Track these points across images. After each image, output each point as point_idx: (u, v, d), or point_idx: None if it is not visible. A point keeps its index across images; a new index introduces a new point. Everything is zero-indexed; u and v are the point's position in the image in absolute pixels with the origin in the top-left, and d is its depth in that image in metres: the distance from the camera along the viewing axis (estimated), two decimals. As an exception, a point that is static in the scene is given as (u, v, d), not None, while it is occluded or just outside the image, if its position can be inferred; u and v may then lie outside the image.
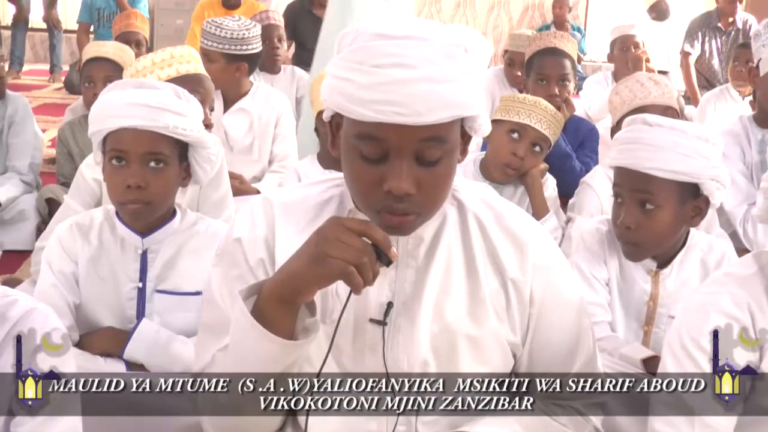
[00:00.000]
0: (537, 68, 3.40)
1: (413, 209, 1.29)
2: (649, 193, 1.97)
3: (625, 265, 2.11)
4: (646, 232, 1.98)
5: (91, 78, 3.52)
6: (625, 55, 5.06)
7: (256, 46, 3.65)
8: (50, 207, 3.51)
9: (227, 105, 3.56)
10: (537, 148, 2.82)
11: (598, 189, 2.79)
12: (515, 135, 2.80)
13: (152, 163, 1.89)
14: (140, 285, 1.93)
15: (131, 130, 1.87)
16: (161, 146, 1.90)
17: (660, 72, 4.85)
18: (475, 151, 3.08)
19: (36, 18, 8.94)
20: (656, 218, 1.97)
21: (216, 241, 1.82)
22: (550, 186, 2.95)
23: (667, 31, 7.97)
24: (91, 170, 2.53)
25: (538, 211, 2.82)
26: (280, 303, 1.26)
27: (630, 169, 1.98)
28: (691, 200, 1.99)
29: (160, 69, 2.48)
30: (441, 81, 1.24)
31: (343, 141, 1.32)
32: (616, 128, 2.80)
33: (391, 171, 1.27)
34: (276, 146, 3.59)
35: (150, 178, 1.89)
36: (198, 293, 1.89)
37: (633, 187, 1.98)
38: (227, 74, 3.54)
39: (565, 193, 3.06)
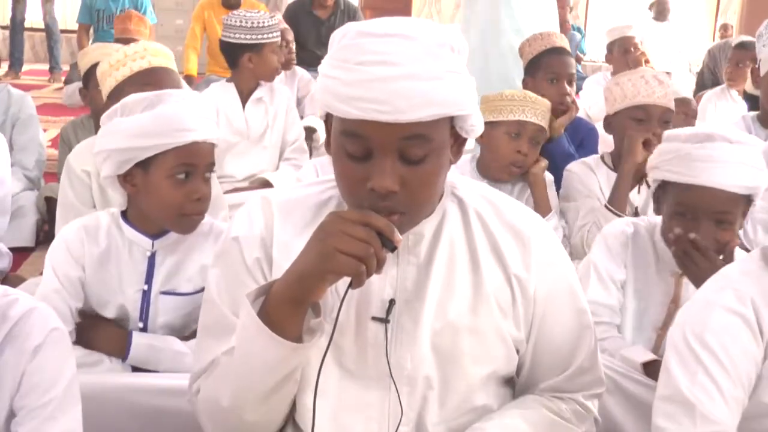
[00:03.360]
0: (546, 67, 3.32)
1: (398, 208, 1.28)
2: (729, 213, 1.93)
3: (648, 268, 2.08)
4: (719, 248, 1.94)
5: None
6: (626, 57, 5.05)
7: None
8: (49, 205, 3.51)
9: (243, 97, 3.70)
10: (535, 141, 2.82)
11: (577, 171, 2.89)
12: (515, 134, 2.79)
13: (207, 174, 1.91)
14: (145, 288, 1.92)
15: (201, 143, 1.87)
16: (214, 156, 1.93)
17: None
18: (472, 150, 3.06)
19: (36, 18, 8.95)
20: (728, 234, 1.95)
21: (218, 240, 1.81)
22: (548, 184, 2.94)
23: (667, 32, 7.98)
24: (79, 162, 2.48)
25: (541, 209, 2.80)
26: (291, 304, 1.26)
27: (710, 187, 1.90)
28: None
29: (132, 61, 2.44)
30: (423, 79, 1.23)
31: (332, 139, 1.32)
32: (611, 118, 2.82)
33: (374, 169, 1.26)
34: (288, 134, 3.76)
35: (208, 188, 1.91)
36: (201, 290, 1.88)
37: (713, 208, 1.92)
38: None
39: (567, 193, 3.05)
